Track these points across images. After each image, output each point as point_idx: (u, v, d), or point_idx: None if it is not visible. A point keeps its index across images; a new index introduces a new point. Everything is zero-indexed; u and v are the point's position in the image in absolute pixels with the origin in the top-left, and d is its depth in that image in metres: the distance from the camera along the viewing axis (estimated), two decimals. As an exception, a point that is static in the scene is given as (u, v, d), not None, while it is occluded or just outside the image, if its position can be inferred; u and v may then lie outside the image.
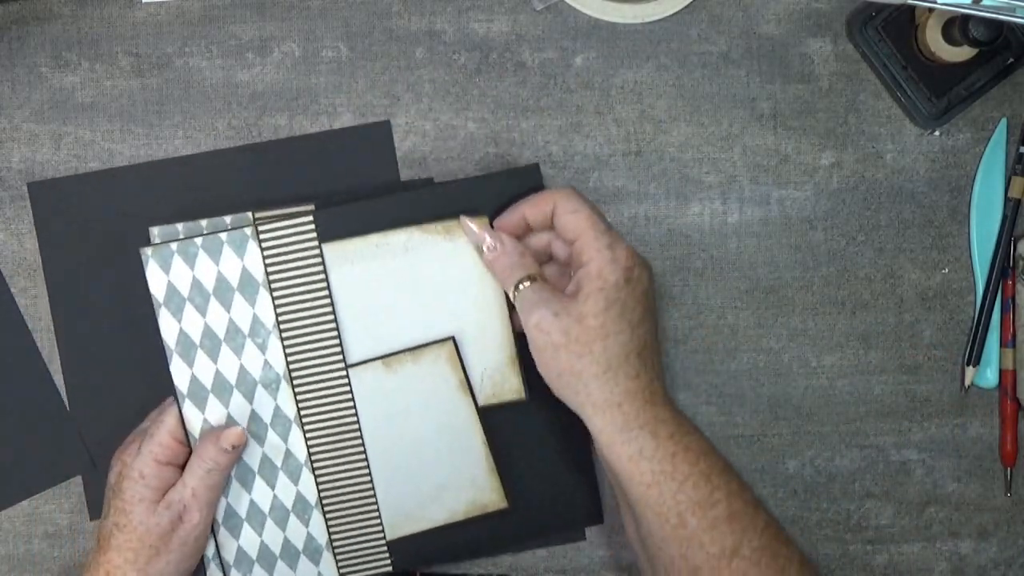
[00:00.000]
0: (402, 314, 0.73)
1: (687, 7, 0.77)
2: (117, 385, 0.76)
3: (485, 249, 0.71)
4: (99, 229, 0.76)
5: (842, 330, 0.79)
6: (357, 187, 0.76)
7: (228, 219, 0.74)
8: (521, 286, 0.69)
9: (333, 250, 0.72)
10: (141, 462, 0.70)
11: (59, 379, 0.76)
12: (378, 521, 0.75)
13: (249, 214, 0.73)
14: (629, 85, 0.78)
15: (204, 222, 0.74)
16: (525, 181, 0.73)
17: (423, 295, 0.73)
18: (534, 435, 0.75)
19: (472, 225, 0.71)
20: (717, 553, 0.65)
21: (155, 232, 0.73)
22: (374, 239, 0.72)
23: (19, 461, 0.76)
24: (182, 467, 0.72)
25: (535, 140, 0.77)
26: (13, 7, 0.76)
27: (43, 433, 0.76)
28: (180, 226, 0.74)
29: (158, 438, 0.71)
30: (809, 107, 0.78)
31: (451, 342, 0.73)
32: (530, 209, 0.70)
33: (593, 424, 0.67)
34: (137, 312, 0.74)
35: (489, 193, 0.72)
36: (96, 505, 0.77)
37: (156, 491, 0.70)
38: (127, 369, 0.75)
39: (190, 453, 0.72)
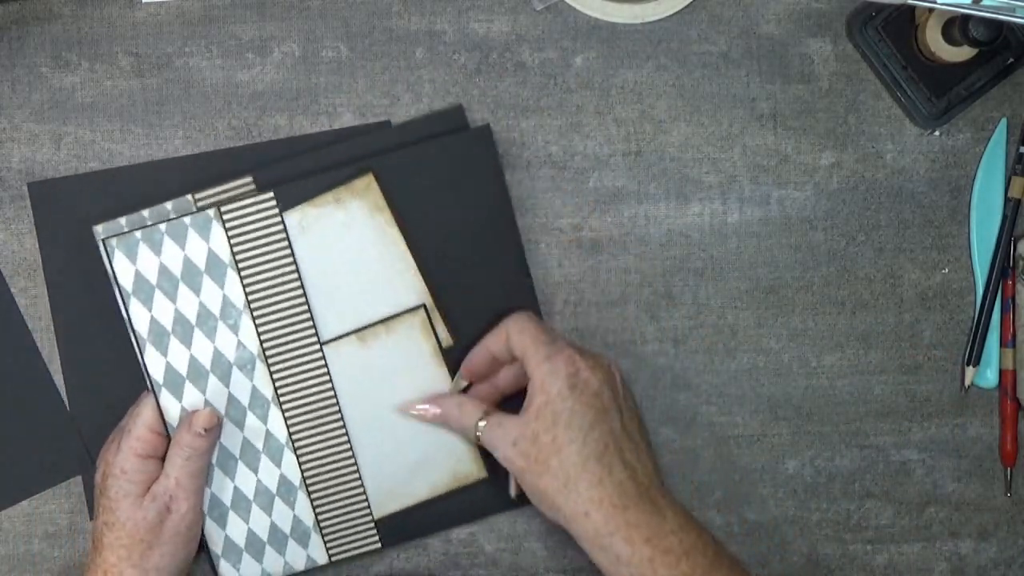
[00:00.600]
0: (371, 285, 0.74)
1: (687, 7, 0.77)
2: (117, 385, 0.76)
3: (429, 419, 0.74)
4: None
5: (842, 330, 0.79)
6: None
7: (169, 205, 0.73)
8: (480, 427, 0.71)
9: (295, 217, 0.73)
10: (122, 458, 0.70)
11: (59, 379, 0.76)
12: (364, 499, 0.75)
13: (189, 197, 0.73)
14: (629, 85, 0.78)
15: (146, 212, 0.74)
16: (478, 141, 0.74)
17: (390, 261, 0.73)
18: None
19: (412, 411, 0.74)
20: None
21: (99, 230, 0.73)
22: (331, 195, 0.73)
23: (19, 461, 0.76)
24: (161, 460, 0.72)
25: (535, 140, 0.77)
26: (13, 7, 0.76)
27: (43, 433, 0.76)
28: (124, 220, 0.73)
29: (135, 432, 0.71)
30: (809, 107, 0.78)
31: (423, 310, 0.74)
32: (492, 341, 0.72)
33: (572, 534, 0.68)
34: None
35: (433, 147, 0.73)
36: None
37: (140, 485, 0.70)
38: (127, 369, 0.75)
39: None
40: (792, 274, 0.79)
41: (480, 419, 0.71)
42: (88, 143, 0.76)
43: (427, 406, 0.74)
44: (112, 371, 0.76)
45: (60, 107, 0.76)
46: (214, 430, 0.72)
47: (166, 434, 0.73)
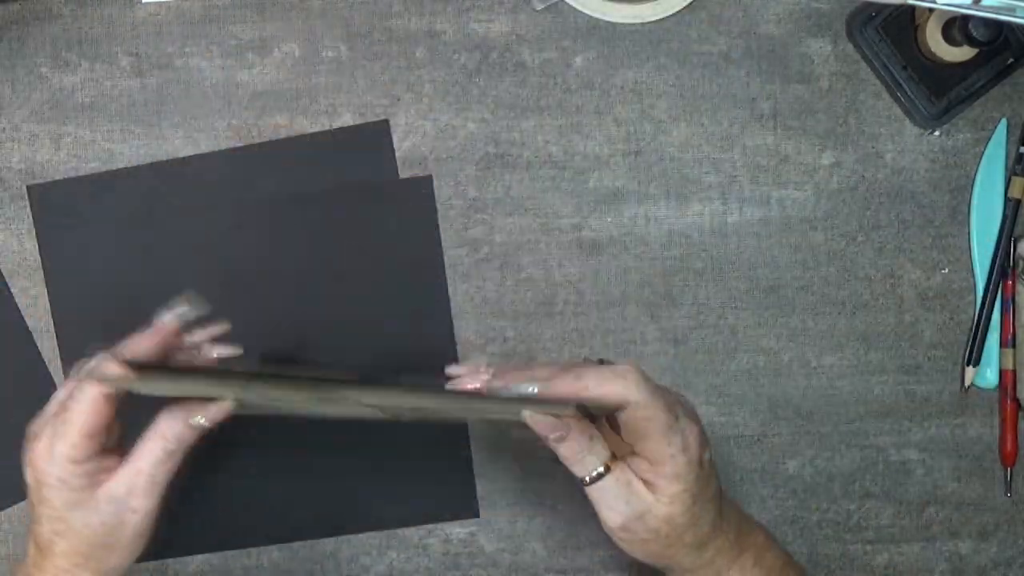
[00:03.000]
0: None
1: (687, 7, 0.77)
2: None
3: (552, 438, 0.62)
4: (99, 231, 0.76)
5: (842, 330, 0.79)
6: (357, 191, 0.76)
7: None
8: (595, 473, 0.63)
9: None
10: (57, 468, 0.61)
11: (60, 379, 0.76)
12: None
13: None
14: (629, 85, 0.78)
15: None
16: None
17: None
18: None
19: (538, 418, 0.62)
20: None
21: None
22: None
23: (19, 461, 0.76)
24: (107, 451, 0.63)
25: (535, 140, 0.77)
26: (13, 7, 0.76)
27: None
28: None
29: (69, 439, 0.61)
30: (809, 107, 0.78)
31: None
32: (592, 394, 0.62)
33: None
34: (138, 313, 0.74)
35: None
36: None
37: (86, 490, 0.61)
38: None
39: (116, 434, 0.64)
40: (792, 274, 0.79)
41: (603, 467, 0.63)
42: (88, 143, 0.76)
43: (549, 425, 0.62)
44: None
45: (60, 107, 0.76)
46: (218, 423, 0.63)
47: (103, 431, 0.62)
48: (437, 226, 0.77)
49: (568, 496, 0.78)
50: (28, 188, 0.76)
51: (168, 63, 0.76)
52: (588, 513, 0.79)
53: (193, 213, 0.76)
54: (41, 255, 0.76)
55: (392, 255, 0.77)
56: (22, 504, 0.76)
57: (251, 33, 0.77)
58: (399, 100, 0.77)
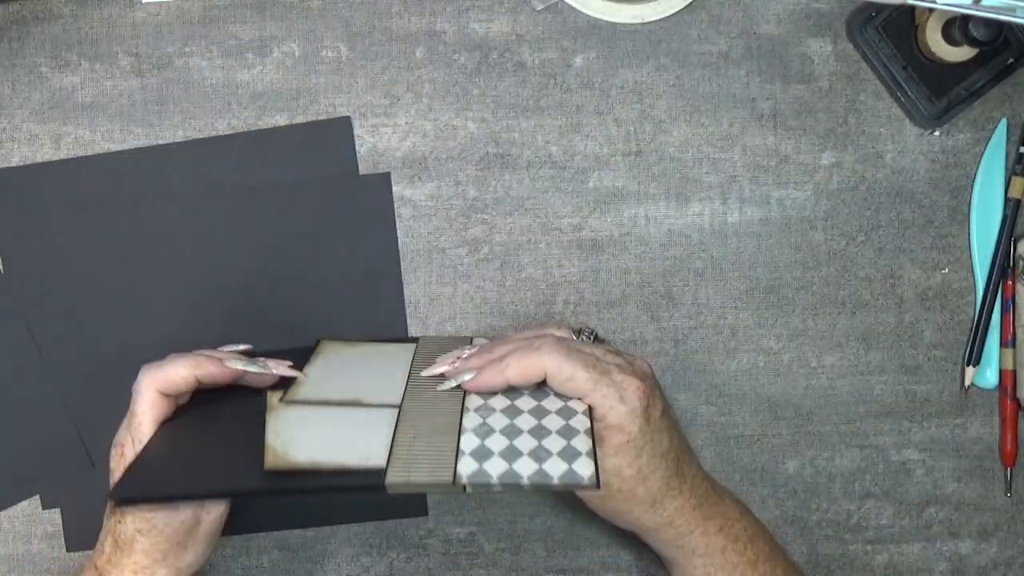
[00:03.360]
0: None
1: (687, 7, 0.77)
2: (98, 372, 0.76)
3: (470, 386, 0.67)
4: (58, 218, 0.76)
5: (842, 330, 0.79)
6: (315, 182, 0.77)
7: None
8: None
9: None
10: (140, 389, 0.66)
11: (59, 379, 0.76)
12: None
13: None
14: (629, 85, 0.78)
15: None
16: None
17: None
18: None
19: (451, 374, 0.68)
20: None
21: None
22: None
23: (19, 461, 0.76)
24: None
25: (535, 140, 0.77)
26: (13, 7, 0.76)
27: (43, 433, 0.76)
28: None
29: (140, 434, 0.67)
30: (809, 107, 0.78)
31: None
32: (516, 376, 0.65)
33: (647, 539, 0.70)
34: (93, 299, 0.75)
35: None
36: (74, 538, 0.77)
37: None
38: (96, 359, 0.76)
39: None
40: (792, 274, 0.79)
41: None
42: (88, 143, 0.76)
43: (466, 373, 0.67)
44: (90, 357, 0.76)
45: (60, 107, 0.76)
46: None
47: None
48: (395, 223, 0.77)
49: (568, 496, 0.78)
50: None
51: (168, 63, 0.76)
52: (588, 513, 0.79)
53: (154, 201, 0.76)
54: None
55: (350, 250, 0.77)
56: (22, 504, 0.76)
57: (251, 33, 0.77)
58: (399, 100, 0.77)
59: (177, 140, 0.76)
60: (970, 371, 0.79)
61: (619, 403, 0.65)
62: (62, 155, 0.76)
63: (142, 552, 0.66)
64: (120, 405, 0.76)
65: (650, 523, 0.68)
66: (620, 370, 0.66)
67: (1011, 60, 0.76)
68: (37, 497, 0.77)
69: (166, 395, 0.67)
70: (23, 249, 0.76)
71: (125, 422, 0.68)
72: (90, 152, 0.76)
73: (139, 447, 0.66)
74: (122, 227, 0.76)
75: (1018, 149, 0.78)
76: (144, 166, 0.76)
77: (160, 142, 0.76)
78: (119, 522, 0.66)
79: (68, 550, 0.77)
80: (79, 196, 0.76)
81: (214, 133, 0.76)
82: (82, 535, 0.76)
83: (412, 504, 0.78)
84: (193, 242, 0.76)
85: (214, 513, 0.67)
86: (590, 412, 0.65)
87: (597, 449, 0.64)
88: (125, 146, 0.76)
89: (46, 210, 0.76)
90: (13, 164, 0.76)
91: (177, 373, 0.67)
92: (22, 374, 0.76)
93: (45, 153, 0.76)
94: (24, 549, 0.77)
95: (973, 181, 0.79)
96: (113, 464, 0.67)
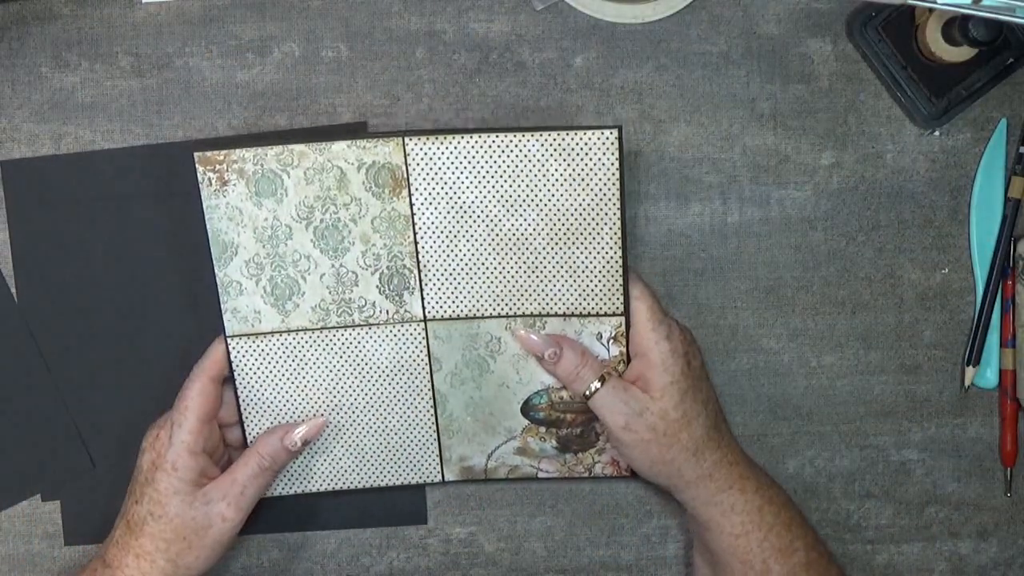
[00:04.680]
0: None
1: (687, 7, 0.77)
2: (104, 376, 0.76)
3: (545, 357, 0.72)
4: (68, 212, 0.76)
5: (842, 330, 0.79)
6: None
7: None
8: (594, 387, 0.71)
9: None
10: (174, 453, 0.69)
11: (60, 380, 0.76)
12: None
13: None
14: (629, 85, 0.78)
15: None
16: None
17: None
18: None
19: (532, 336, 0.72)
20: None
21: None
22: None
23: (19, 461, 0.76)
24: (215, 451, 0.72)
25: (535, 140, 0.77)
26: (13, 7, 0.76)
27: (43, 433, 0.76)
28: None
29: (187, 426, 0.69)
30: (809, 107, 0.78)
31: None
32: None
33: (685, 496, 0.71)
34: (102, 294, 0.75)
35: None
36: (73, 530, 0.77)
37: (191, 483, 0.69)
38: (107, 354, 0.76)
39: (221, 452, 0.72)
40: (792, 274, 0.79)
41: (597, 380, 0.70)
42: (88, 143, 0.76)
43: (540, 341, 0.72)
44: (94, 359, 0.76)
45: (60, 107, 0.76)
46: (308, 445, 0.72)
47: (214, 419, 0.71)
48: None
49: (568, 496, 0.78)
50: (1, 166, 0.76)
51: (168, 63, 0.76)
52: (588, 513, 0.79)
53: (158, 199, 0.76)
54: (9, 232, 0.76)
55: None
56: (22, 504, 0.77)
57: (251, 33, 0.77)
58: (399, 100, 0.77)
59: (178, 140, 0.76)
60: (970, 371, 0.79)
61: (665, 341, 0.70)
62: (62, 155, 0.76)
63: (148, 536, 0.69)
64: (121, 405, 0.76)
65: (691, 474, 0.70)
66: (675, 321, 0.72)
67: (1011, 60, 0.76)
68: (37, 497, 0.77)
69: (216, 381, 0.71)
70: (33, 242, 0.76)
71: (168, 414, 0.71)
72: (89, 151, 0.76)
73: (179, 432, 0.69)
74: (131, 224, 0.76)
75: (1018, 149, 0.78)
76: (156, 163, 0.76)
77: (162, 142, 0.76)
78: (136, 502, 0.69)
79: (66, 544, 0.77)
80: (88, 189, 0.76)
81: (215, 133, 0.76)
82: (81, 529, 0.77)
83: (412, 512, 0.78)
84: (191, 242, 0.76)
85: (228, 522, 0.69)
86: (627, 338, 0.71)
87: (643, 394, 0.70)
88: (126, 146, 0.76)
89: (62, 203, 0.76)
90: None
91: (221, 350, 0.72)
92: (23, 374, 0.76)
93: (45, 153, 0.76)
94: (24, 549, 0.77)
95: (973, 181, 0.79)
96: (146, 444, 0.70)
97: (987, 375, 0.79)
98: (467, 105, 0.77)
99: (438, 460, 0.76)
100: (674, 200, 0.78)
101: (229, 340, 0.72)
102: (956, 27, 0.73)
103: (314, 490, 0.75)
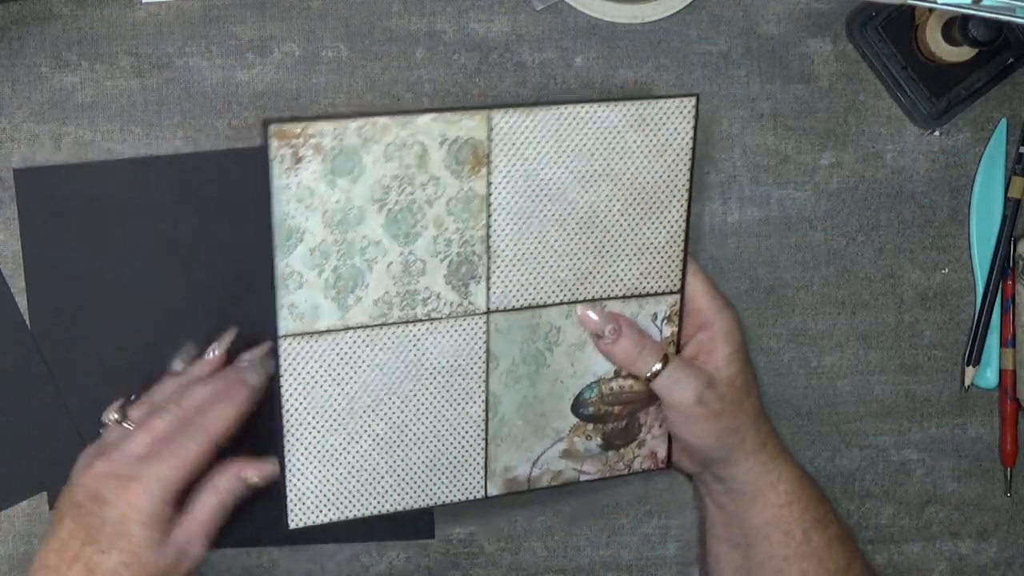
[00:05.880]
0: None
1: (687, 7, 0.77)
2: (102, 367, 0.76)
3: (606, 333, 0.70)
4: (82, 221, 0.76)
5: (842, 330, 0.79)
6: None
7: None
8: (655, 368, 0.70)
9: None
10: (153, 507, 0.66)
11: (58, 379, 0.76)
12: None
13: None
14: (629, 85, 0.78)
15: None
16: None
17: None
18: None
19: (591, 314, 0.71)
20: (834, 570, 0.71)
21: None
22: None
23: (19, 461, 0.76)
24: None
25: (535, 140, 0.77)
26: (13, 7, 0.76)
27: (43, 433, 0.76)
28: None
29: (172, 483, 0.66)
30: (809, 107, 0.78)
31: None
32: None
33: (740, 468, 0.72)
34: (112, 304, 0.75)
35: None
36: None
37: (164, 532, 0.67)
38: (109, 348, 0.76)
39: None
40: (792, 274, 0.79)
41: (660, 360, 0.70)
42: (88, 143, 0.76)
43: (604, 327, 0.70)
44: (96, 354, 0.76)
45: (60, 107, 0.76)
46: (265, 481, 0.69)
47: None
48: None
49: (568, 496, 0.78)
50: (15, 172, 0.76)
51: (168, 63, 0.76)
52: (588, 513, 0.79)
53: (175, 209, 0.76)
54: (22, 239, 0.75)
55: None
56: (22, 504, 0.76)
57: (251, 33, 0.77)
58: (399, 100, 0.77)
59: (178, 140, 0.76)
60: (970, 371, 0.79)
61: (726, 309, 0.71)
62: (62, 155, 0.76)
63: None
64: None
65: (751, 443, 0.71)
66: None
67: (1011, 60, 0.76)
68: (37, 497, 0.76)
69: (217, 447, 0.68)
70: (45, 250, 0.76)
71: (127, 459, 0.67)
72: (90, 152, 0.76)
73: (160, 487, 0.66)
74: (141, 233, 0.76)
75: (1018, 149, 0.78)
76: (171, 173, 0.76)
77: (162, 142, 0.76)
78: (103, 552, 0.65)
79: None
80: (102, 199, 0.76)
81: (215, 133, 0.76)
82: None
83: (419, 527, 0.78)
84: (211, 254, 0.76)
85: (192, 560, 0.67)
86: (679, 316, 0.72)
87: (707, 367, 0.70)
88: (125, 146, 0.76)
89: (68, 211, 0.76)
90: (13, 164, 0.76)
91: (233, 416, 0.69)
92: (23, 374, 0.76)
93: (45, 153, 0.76)
94: (24, 549, 0.77)
95: (973, 181, 0.79)
96: (110, 495, 0.66)
97: (987, 375, 0.79)
98: (467, 105, 0.77)
99: (483, 473, 0.72)
100: (674, 200, 0.78)
101: (281, 340, 0.65)
102: (956, 27, 0.73)
103: (355, 516, 0.70)
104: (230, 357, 0.73)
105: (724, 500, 0.73)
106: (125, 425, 0.70)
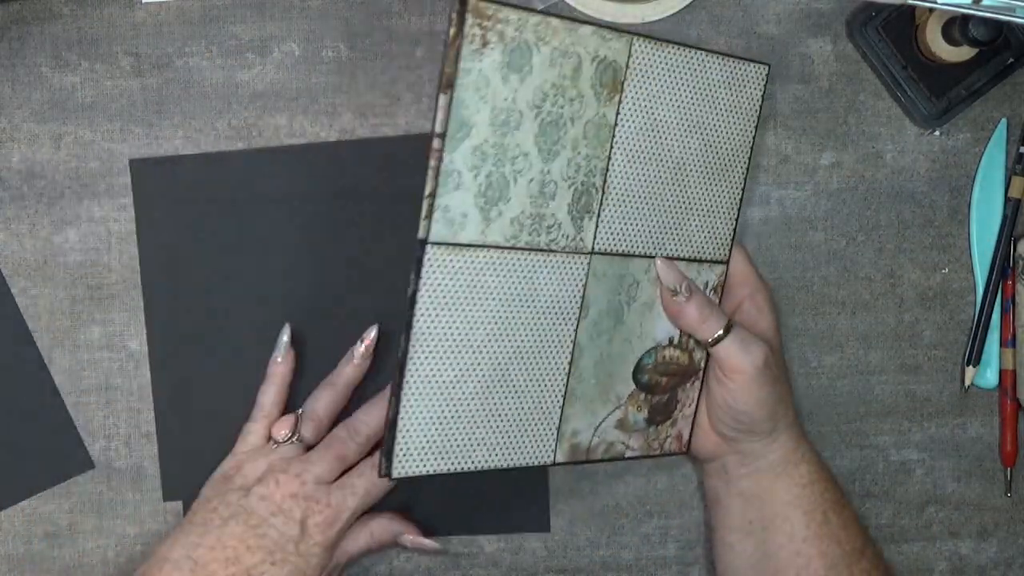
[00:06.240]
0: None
1: (687, 7, 0.77)
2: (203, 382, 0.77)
3: (681, 291, 0.70)
4: (195, 211, 0.76)
5: (842, 330, 0.79)
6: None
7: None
8: (719, 334, 0.70)
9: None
10: (339, 533, 0.70)
11: (60, 379, 0.76)
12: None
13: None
14: (629, 85, 0.78)
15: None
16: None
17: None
18: None
19: (669, 269, 0.71)
20: (850, 551, 0.71)
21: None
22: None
23: (19, 461, 0.76)
24: None
25: (535, 140, 0.77)
26: (13, 7, 0.76)
27: (43, 433, 0.76)
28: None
29: (358, 514, 0.70)
30: (809, 107, 0.78)
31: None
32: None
33: (776, 442, 0.72)
34: (223, 298, 0.76)
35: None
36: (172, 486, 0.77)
37: (332, 558, 0.71)
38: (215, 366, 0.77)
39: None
40: (792, 274, 0.79)
41: (723, 328, 0.70)
42: (88, 143, 0.76)
43: (681, 282, 0.70)
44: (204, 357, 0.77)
45: (60, 107, 0.76)
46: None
47: None
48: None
49: (568, 496, 0.78)
50: (130, 162, 0.76)
51: (168, 63, 0.76)
52: (588, 513, 0.79)
53: (287, 202, 0.76)
54: (137, 228, 0.76)
55: None
56: (23, 504, 0.76)
57: (251, 33, 0.77)
58: (399, 100, 0.77)
59: (178, 140, 0.76)
60: (970, 371, 0.79)
61: (762, 281, 0.74)
62: (62, 155, 0.76)
63: None
64: (220, 403, 0.76)
65: (791, 415, 0.72)
66: None
67: (1011, 60, 0.76)
68: (37, 496, 0.76)
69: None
70: (160, 241, 0.76)
71: (324, 487, 0.70)
72: (89, 151, 0.76)
73: (347, 518, 0.70)
74: (252, 225, 0.77)
75: (1018, 149, 0.78)
76: (281, 165, 0.77)
77: (162, 141, 0.76)
78: (273, 564, 0.68)
79: (164, 499, 0.77)
80: (216, 190, 0.76)
81: (215, 133, 0.76)
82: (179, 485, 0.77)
83: (534, 519, 0.78)
84: (324, 248, 0.77)
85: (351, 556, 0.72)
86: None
87: (762, 337, 0.71)
88: (125, 146, 0.76)
89: (181, 201, 0.76)
90: (13, 164, 0.76)
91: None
92: (23, 375, 0.76)
93: (45, 153, 0.76)
94: (24, 549, 0.77)
95: (973, 181, 0.79)
96: (312, 522, 0.69)
97: (987, 375, 0.79)
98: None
99: (555, 435, 0.69)
100: (674, 200, 0.78)
101: (428, 248, 0.62)
102: (956, 27, 0.73)
103: (448, 470, 0.66)
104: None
105: (746, 484, 0.72)
106: (295, 441, 0.71)
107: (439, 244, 0.62)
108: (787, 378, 0.74)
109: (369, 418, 0.72)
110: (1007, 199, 0.78)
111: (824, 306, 0.79)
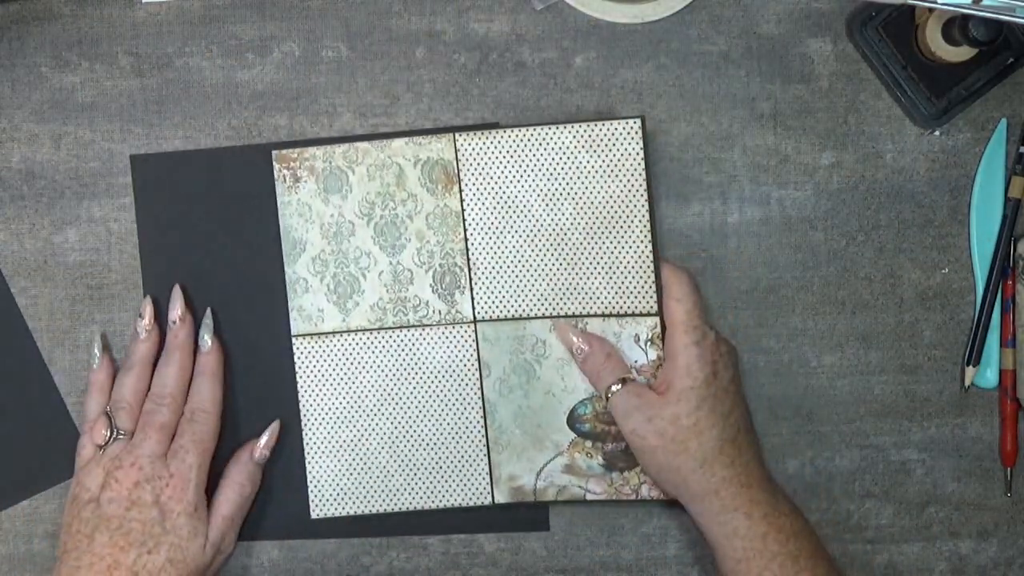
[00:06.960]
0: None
1: (687, 7, 0.77)
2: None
3: (574, 352, 0.72)
4: (194, 205, 0.76)
5: (842, 330, 0.79)
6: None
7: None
8: (613, 388, 0.71)
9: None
10: (195, 493, 0.70)
11: (59, 379, 0.76)
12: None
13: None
14: (629, 85, 0.78)
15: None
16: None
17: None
18: None
19: (560, 330, 0.73)
20: None
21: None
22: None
23: (19, 461, 0.76)
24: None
25: (535, 140, 0.77)
26: (13, 7, 0.76)
27: (43, 433, 0.76)
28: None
29: (203, 468, 0.71)
30: (809, 107, 0.78)
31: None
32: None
33: (691, 509, 0.71)
34: (219, 292, 0.76)
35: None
36: None
37: (204, 521, 0.70)
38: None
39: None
40: (792, 274, 0.79)
41: (617, 382, 0.70)
42: (88, 143, 0.76)
43: (574, 335, 0.72)
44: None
45: (60, 107, 0.76)
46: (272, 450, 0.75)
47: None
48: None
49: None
50: (131, 158, 0.76)
51: (168, 63, 0.76)
52: (588, 513, 0.79)
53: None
54: (137, 223, 0.76)
55: None
56: (23, 504, 0.77)
57: (251, 33, 0.77)
58: (399, 100, 0.77)
59: (178, 140, 0.76)
60: (970, 371, 0.79)
61: (694, 346, 0.69)
62: (62, 155, 0.76)
63: None
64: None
65: (696, 487, 0.69)
66: (716, 332, 0.71)
67: (1011, 60, 0.76)
68: (38, 497, 0.76)
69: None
70: (160, 233, 0.76)
71: (157, 452, 0.71)
72: (89, 151, 0.76)
73: (198, 473, 0.71)
74: (251, 219, 0.77)
75: (1018, 149, 0.78)
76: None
77: (162, 141, 0.76)
78: (150, 552, 0.69)
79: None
80: (213, 184, 0.77)
81: (214, 133, 0.76)
82: None
83: (534, 519, 0.78)
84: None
85: (225, 553, 0.72)
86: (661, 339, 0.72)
87: (658, 399, 0.70)
88: (125, 146, 0.76)
89: (181, 196, 0.76)
90: (13, 164, 0.76)
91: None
92: (23, 374, 0.76)
93: (45, 153, 0.76)
94: (24, 549, 0.77)
95: (973, 181, 0.79)
96: (148, 497, 0.70)
97: (987, 375, 0.79)
98: (467, 105, 0.77)
99: (488, 480, 0.75)
100: (674, 200, 0.78)
101: (294, 340, 0.74)
102: (956, 27, 0.73)
103: (367, 512, 0.76)
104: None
105: (706, 532, 0.72)
106: (118, 437, 0.72)
107: (304, 335, 0.75)
108: (698, 445, 0.69)
109: (165, 379, 0.72)
110: (1007, 199, 0.78)
111: (824, 306, 0.79)
